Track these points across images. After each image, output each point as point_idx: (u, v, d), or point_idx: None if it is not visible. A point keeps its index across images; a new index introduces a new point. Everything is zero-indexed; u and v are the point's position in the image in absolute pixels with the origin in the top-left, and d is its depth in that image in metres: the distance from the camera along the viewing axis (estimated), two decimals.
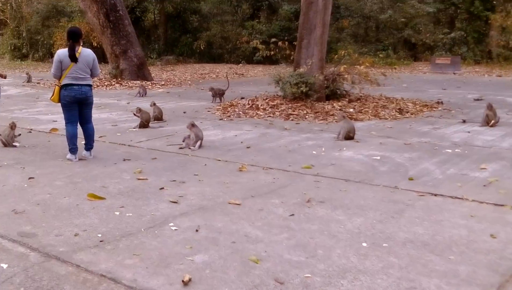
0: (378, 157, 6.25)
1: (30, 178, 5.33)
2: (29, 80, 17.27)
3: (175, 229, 3.87)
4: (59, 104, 6.20)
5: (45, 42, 29.01)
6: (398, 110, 9.99)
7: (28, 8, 31.54)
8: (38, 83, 17.09)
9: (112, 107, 11.14)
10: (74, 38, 6.03)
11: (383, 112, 9.82)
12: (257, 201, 4.56)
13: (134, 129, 8.27)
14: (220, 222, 4.03)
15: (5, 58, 30.07)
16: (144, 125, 8.31)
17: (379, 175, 5.46)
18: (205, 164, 5.97)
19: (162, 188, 4.95)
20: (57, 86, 6.12)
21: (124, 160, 6.18)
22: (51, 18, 29.52)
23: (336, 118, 8.71)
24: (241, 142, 7.26)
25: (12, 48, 31.20)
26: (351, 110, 9.84)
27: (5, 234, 3.77)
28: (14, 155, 6.47)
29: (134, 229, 3.87)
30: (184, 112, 10.14)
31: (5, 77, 8.02)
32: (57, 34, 26.90)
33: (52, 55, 27.98)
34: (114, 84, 16.04)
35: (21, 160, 6.17)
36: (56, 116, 9.12)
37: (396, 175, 5.47)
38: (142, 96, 13.03)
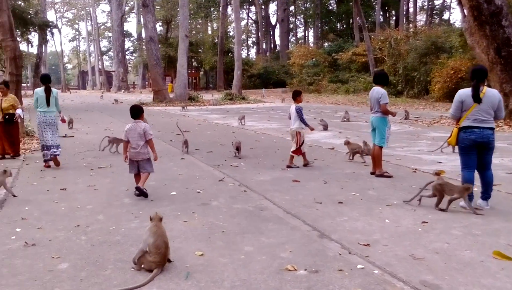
0: None
1: (423, 222, 5.46)
2: (406, 117, 18.31)
3: None
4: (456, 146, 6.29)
5: (421, 79, 30.37)
6: None
7: (406, 46, 33.87)
8: (415, 120, 17.89)
9: (503, 151, 10.49)
10: (480, 77, 5.95)
11: None
12: None
13: None
14: None
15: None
16: None
17: None
18: None
19: None
20: (455, 128, 6.17)
21: None
22: (429, 54, 30.75)
23: None
24: None
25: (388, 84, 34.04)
26: None
27: (407, 280, 3.90)
28: (399, 194, 6.79)
29: None
30: None
31: (394, 115, 8.71)
32: (435, 71, 27.69)
33: (428, 93, 29.14)
34: (501, 126, 15.20)
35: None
36: (439, 157, 9.25)
37: None
38: None
